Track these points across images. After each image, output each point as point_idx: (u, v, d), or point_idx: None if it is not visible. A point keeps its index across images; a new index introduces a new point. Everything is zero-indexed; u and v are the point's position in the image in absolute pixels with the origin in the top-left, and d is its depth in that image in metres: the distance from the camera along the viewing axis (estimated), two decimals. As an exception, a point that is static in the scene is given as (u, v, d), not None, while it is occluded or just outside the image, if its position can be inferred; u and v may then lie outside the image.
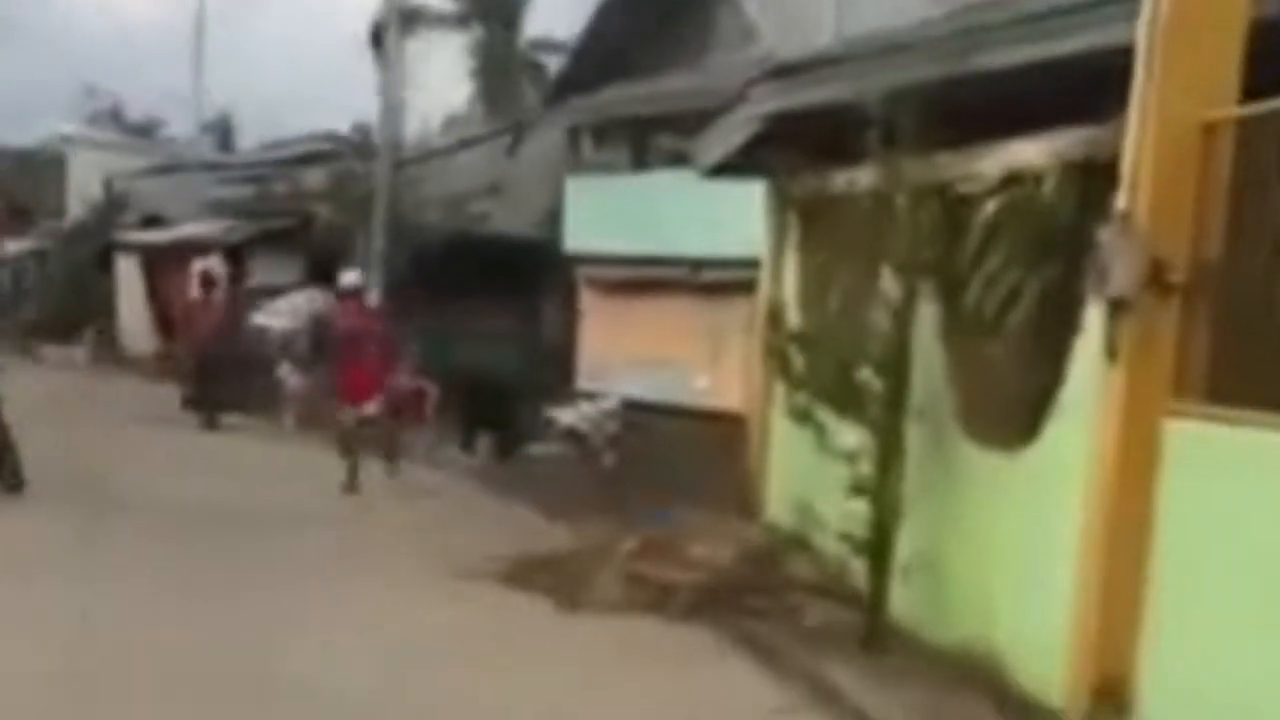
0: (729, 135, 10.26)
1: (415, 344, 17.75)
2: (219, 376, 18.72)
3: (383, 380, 13.85)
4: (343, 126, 30.66)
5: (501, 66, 30.31)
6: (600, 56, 19.46)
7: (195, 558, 9.87)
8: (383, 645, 7.70)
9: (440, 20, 29.70)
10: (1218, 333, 5.81)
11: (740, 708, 7.05)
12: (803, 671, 7.34)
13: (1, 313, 33.96)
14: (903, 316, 7.58)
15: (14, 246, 36.05)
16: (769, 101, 9.51)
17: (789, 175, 10.14)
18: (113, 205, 32.51)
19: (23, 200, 38.66)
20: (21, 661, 6.94)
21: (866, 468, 7.57)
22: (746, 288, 11.69)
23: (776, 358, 9.16)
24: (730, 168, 10.60)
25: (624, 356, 16.40)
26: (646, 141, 17.67)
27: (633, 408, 15.05)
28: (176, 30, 58.80)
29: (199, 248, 24.51)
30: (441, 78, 29.44)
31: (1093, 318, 6.25)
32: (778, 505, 10.02)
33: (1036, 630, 6.63)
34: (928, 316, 7.74)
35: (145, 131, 45.58)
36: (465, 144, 24.23)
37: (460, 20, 30.50)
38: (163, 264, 26.87)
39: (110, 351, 28.44)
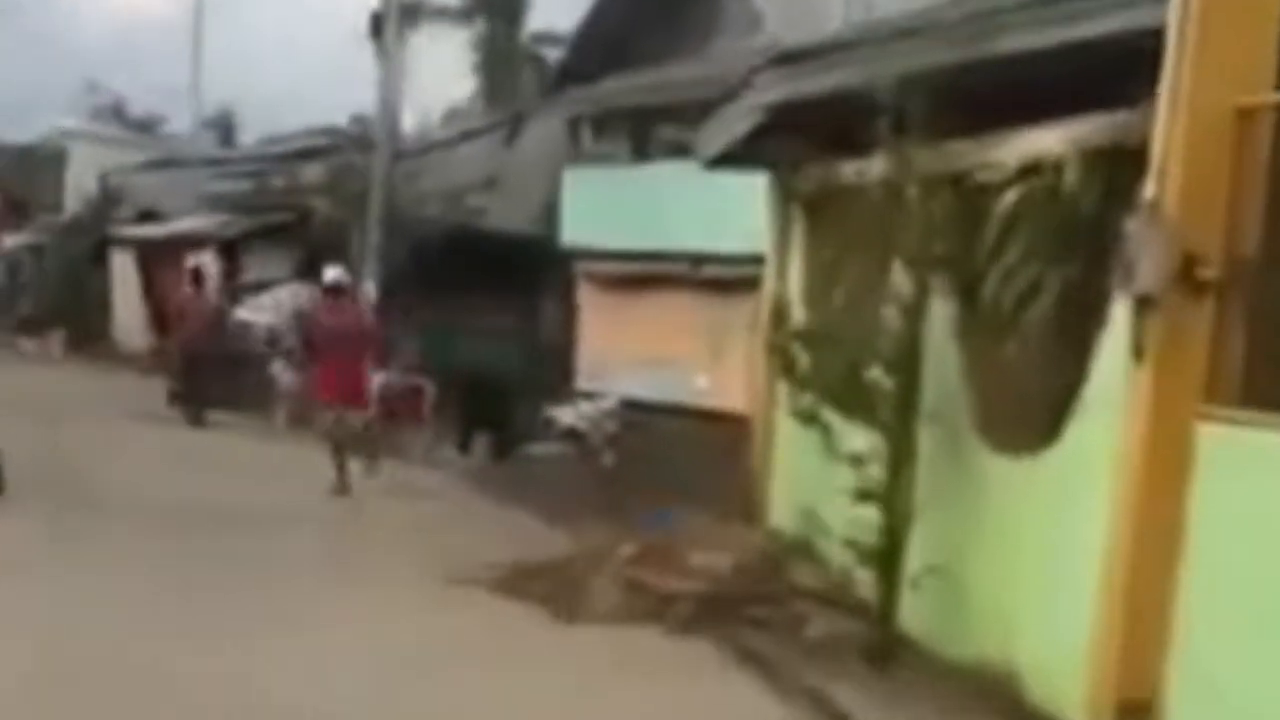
0: (732, 125, 10.04)
1: (412, 341, 17.50)
2: (206, 372, 18.53)
3: (365, 381, 13.53)
4: (342, 121, 30.53)
5: (504, 61, 30.18)
6: (602, 45, 19.17)
7: (175, 561, 9.56)
8: (373, 657, 7.45)
9: (442, 14, 29.56)
10: (1253, 332, 5.56)
11: (740, 726, 6.81)
12: (806, 687, 7.09)
13: (-2, 307, 33.94)
14: (914, 313, 7.39)
15: (10, 241, 35.91)
16: (774, 89, 9.29)
17: (794, 166, 9.95)
18: (108, 200, 32.43)
19: (20, 194, 38.51)
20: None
21: (875, 471, 7.36)
22: (750, 283, 11.51)
23: (780, 356, 8.97)
24: (733, 159, 10.39)
25: (623, 354, 16.13)
26: (648, 132, 17.39)
27: (633, 407, 14.85)
28: (179, 26, 58.37)
29: (194, 242, 24.43)
30: (443, 72, 29.38)
31: (1118, 313, 5.99)
32: (781, 509, 9.83)
33: (1057, 644, 6.37)
34: (940, 313, 7.54)
35: (146, 127, 45.45)
36: (465, 136, 23.98)
37: (463, 15, 30.35)
38: (157, 259, 26.82)
39: (89, 346, 28.19)
